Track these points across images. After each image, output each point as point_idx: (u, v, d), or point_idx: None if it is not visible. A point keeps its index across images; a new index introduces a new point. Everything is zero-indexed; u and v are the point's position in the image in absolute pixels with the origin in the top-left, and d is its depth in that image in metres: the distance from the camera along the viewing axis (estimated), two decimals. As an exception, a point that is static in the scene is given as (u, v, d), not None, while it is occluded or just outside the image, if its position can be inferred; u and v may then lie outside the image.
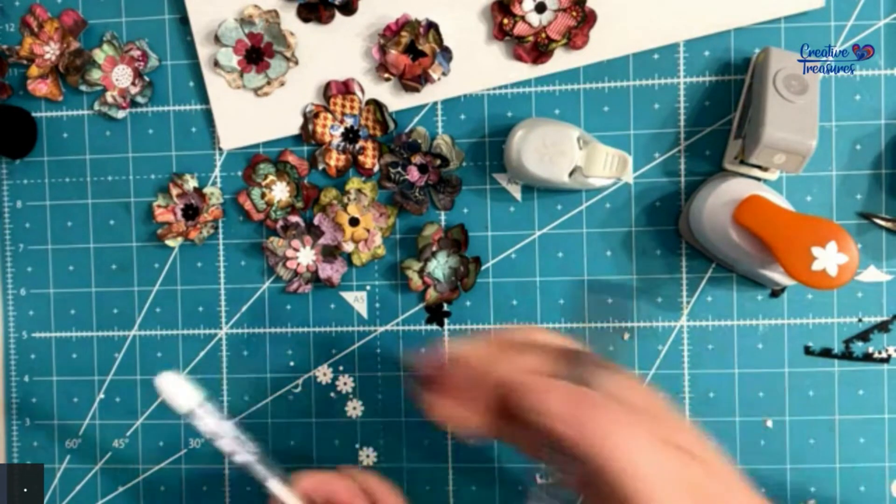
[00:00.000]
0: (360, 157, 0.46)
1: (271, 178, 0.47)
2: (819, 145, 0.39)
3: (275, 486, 0.35)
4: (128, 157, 0.48)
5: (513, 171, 0.44)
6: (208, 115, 0.47)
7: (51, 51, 0.47)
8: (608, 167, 0.43)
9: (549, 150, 0.42)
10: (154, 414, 0.49)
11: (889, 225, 0.43)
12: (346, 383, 0.48)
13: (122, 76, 0.47)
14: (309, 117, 0.46)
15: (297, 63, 0.46)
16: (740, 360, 0.45)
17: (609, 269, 0.45)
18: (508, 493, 0.47)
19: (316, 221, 0.46)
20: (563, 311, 0.46)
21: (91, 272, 0.49)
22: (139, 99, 0.47)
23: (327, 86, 0.46)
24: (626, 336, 0.45)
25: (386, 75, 0.45)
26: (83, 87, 0.48)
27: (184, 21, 0.47)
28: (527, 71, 0.45)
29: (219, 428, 0.34)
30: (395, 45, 0.44)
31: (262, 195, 0.47)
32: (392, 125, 0.45)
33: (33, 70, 0.47)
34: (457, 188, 0.46)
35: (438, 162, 0.45)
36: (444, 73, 0.45)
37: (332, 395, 0.48)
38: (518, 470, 0.47)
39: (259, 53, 0.46)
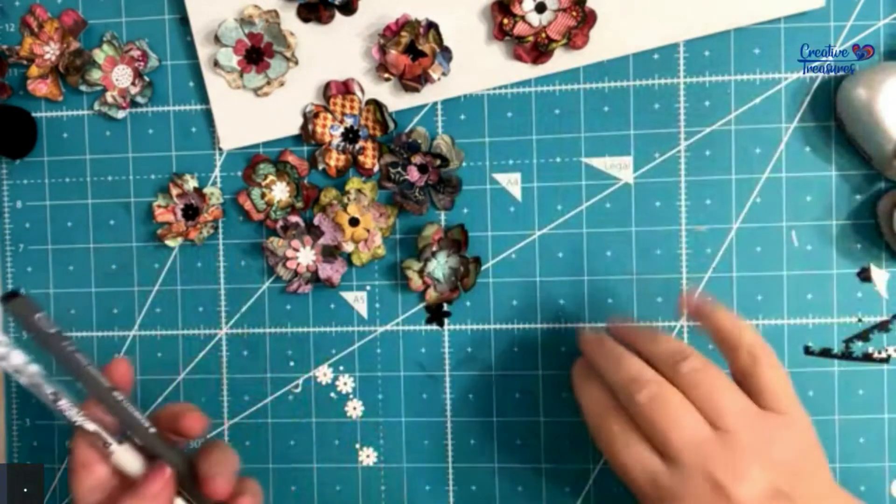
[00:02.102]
0: (360, 157, 0.46)
1: (271, 178, 0.47)
2: (819, 145, 0.39)
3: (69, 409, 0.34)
4: (128, 157, 0.48)
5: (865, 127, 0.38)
6: (208, 115, 0.47)
7: (51, 51, 0.47)
8: None
9: None
10: (154, 414, 0.49)
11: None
12: (346, 383, 0.48)
13: (122, 76, 0.47)
14: (309, 117, 0.46)
15: (297, 63, 0.46)
16: (740, 360, 0.45)
17: (609, 269, 0.45)
18: (509, 493, 0.47)
19: (316, 221, 0.46)
20: (563, 311, 0.46)
21: (91, 272, 0.49)
22: (139, 99, 0.47)
23: (327, 86, 0.46)
24: (626, 336, 0.45)
25: (386, 75, 0.45)
26: (83, 87, 0.48)
27: (184, 21, 0.47)
28: (527, 71, 0.45)
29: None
30: (395, 45, 0.44)
31: (262, 195, 0.47)
32: (392, 125, 0.45)
33: (33, 70, 0.47)
34: (457, 188, 0.46)
35: (438, 162, 0.45)
36: (444, 73, 0.45)
37: (332, 395, 0.48)
38: (518, 470, 0.47)
39: (259, 53, 0.46)
